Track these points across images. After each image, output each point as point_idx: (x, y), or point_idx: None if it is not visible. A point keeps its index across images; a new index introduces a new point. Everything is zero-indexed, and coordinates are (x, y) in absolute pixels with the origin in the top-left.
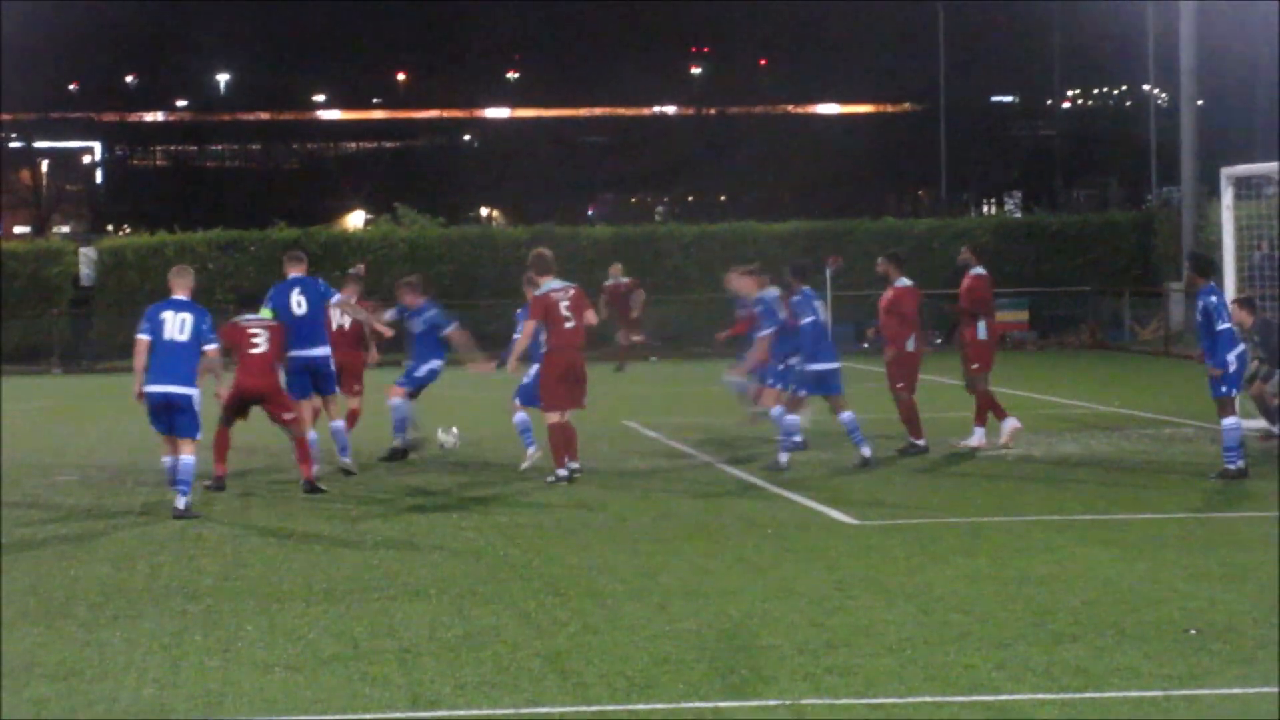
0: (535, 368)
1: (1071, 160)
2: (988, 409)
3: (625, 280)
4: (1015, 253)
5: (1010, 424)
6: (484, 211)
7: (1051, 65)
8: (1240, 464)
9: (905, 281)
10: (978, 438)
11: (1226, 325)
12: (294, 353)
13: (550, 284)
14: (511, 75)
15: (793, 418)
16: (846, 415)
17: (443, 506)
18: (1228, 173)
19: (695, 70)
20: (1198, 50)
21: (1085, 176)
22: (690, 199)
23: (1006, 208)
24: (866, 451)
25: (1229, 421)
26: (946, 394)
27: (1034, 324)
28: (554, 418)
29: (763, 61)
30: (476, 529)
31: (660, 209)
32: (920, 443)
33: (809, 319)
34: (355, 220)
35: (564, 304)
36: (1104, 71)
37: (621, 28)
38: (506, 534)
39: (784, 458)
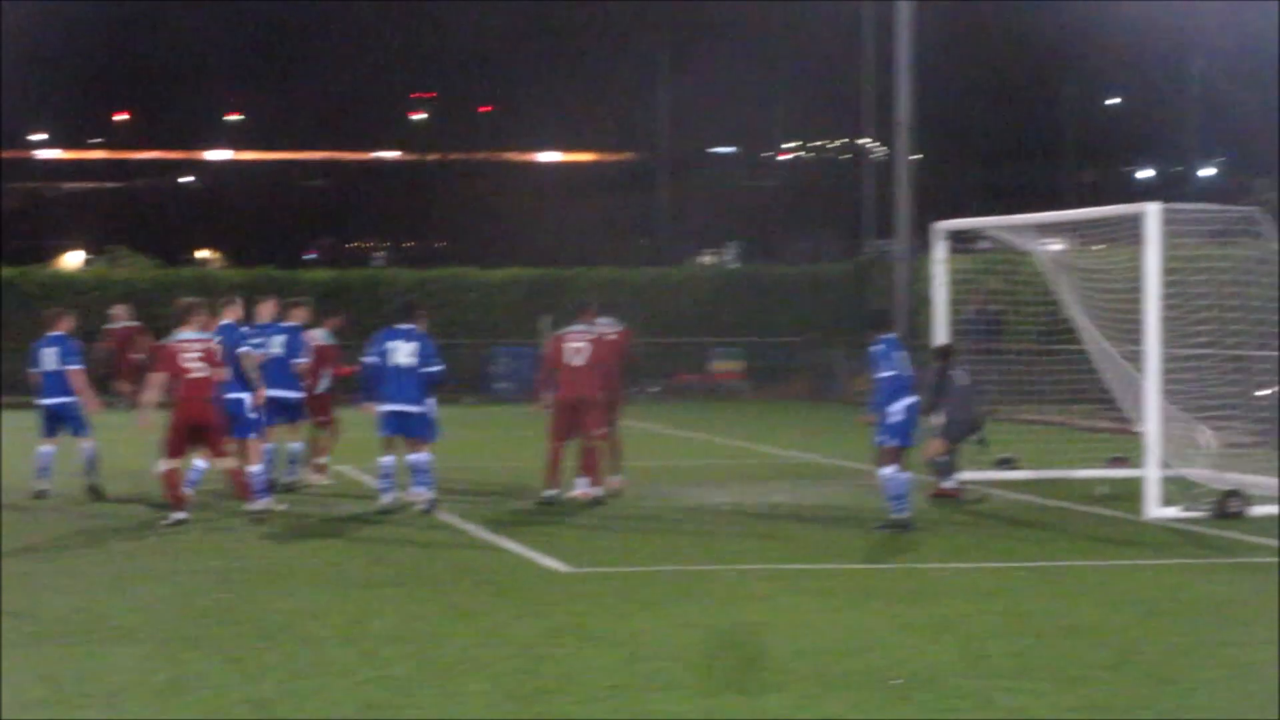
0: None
1: (789, 211)
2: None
3: (132, 324)
4: (732, 302)
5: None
6: (203, 254)
7: (770, 117)
8: (905, 514)
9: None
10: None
11: (889, 374)
12: None
13: (183, 334)
14: (233, 118)
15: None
16: (420, 457)
17: (154, 549)
18: (940, 227)
19: (417, 116)
20: (913, 105)
21: (802, 228)
22: (410, 244)
23: (724, 258)
24: (388, 499)
25: (886, 471)
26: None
27: (748, 374)
28: (168, 464)
29: (484, 108)
30: (189, 572)
31: (380, 254)
32: (549, 493)
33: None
34: (75, 260)
35: (190, 355)
36: (821, 125)
37: (344, 73)
38: (219, 577)
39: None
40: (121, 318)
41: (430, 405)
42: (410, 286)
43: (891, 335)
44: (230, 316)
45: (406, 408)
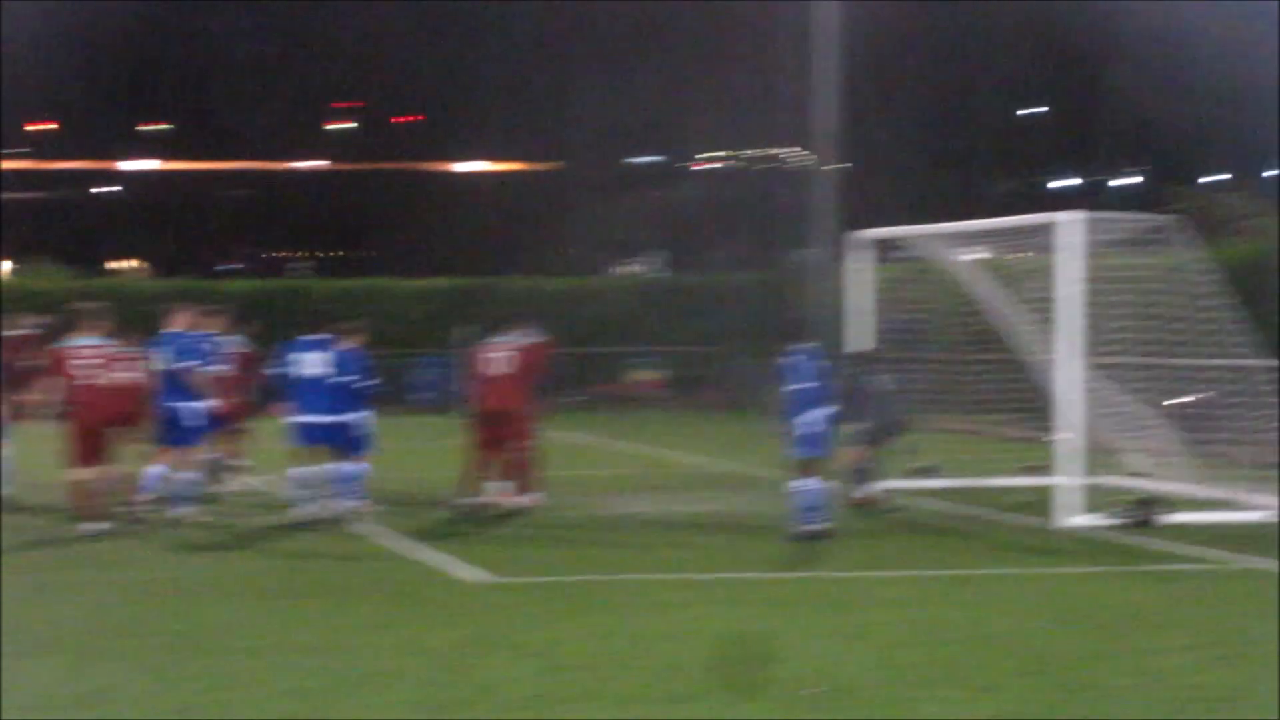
0: None
1: (710, 221)
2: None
3: (31, 331)
4: (650, 312)
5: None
6: (125, 264)
7: (692, 127)
8: (818, 525)
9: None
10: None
11: (799, 386)
12: None
13: (80, 340)
14: (155, 127)
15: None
16: (344, 468)
17: (72, 561)
18: (859, 236)
19: (339, 126)
20: (835, 115)
21: (723, 238)
22: (332, 254)
23: (642, 268)
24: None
25: (806, 483)
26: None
27: (669, 383)
28: (76, 474)
29: (407, 118)
30: (107, 584)
31: (301, 264)
32: (464, 501)
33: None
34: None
35: (85, 361)
36: (742, 134)
37: (267, 82)
38: (137, 589)
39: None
40: (22, 326)
41: (363, 418)
42: (331, 296)
43: (806, 346)
44: (179, 325)
45: (319, 418)
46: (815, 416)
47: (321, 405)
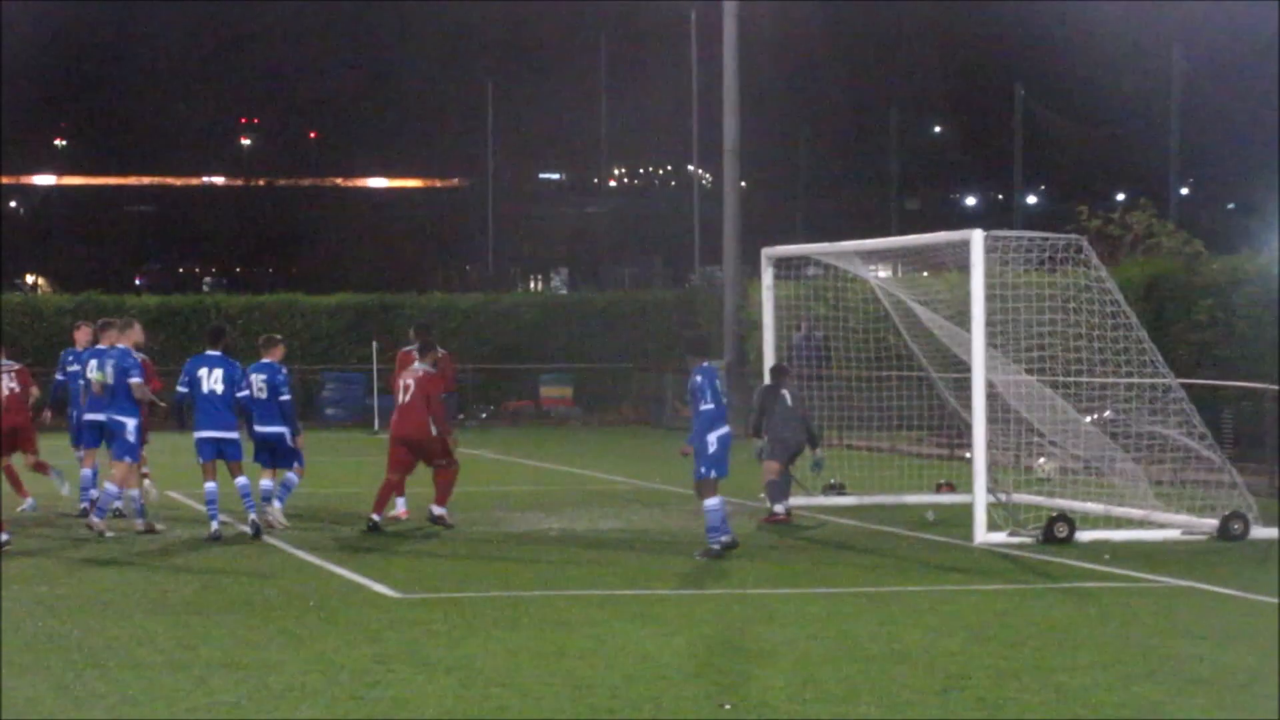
0: None
1: (617, 238)
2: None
3: None
4: (560, 329)
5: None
6: (30, 279)
7: (598, 143)
8: (726, 539)
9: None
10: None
11: (709, 406)
12: None
13: None
14: (59, 142)
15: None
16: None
17: None
18: (768, 253)
19: (245, 141)
20: (740, 132)
21: (630, 254)
22: (239, 270)
23: (552, 284)
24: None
25: (711, 503)
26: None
27: (577, 400)
28: None
29: (313, 134)
30: (14, 599)
31: (208, 280)
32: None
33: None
34: None
35: None
36: (650, 151)
37: (171, 97)
38: (45, 605)
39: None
40: None
41: (287, 433)
42: (239, 311)
43: (708, 364)
44: (127, 341)
45: (222, 434)
46: (716, 437)
47: (225, 420)
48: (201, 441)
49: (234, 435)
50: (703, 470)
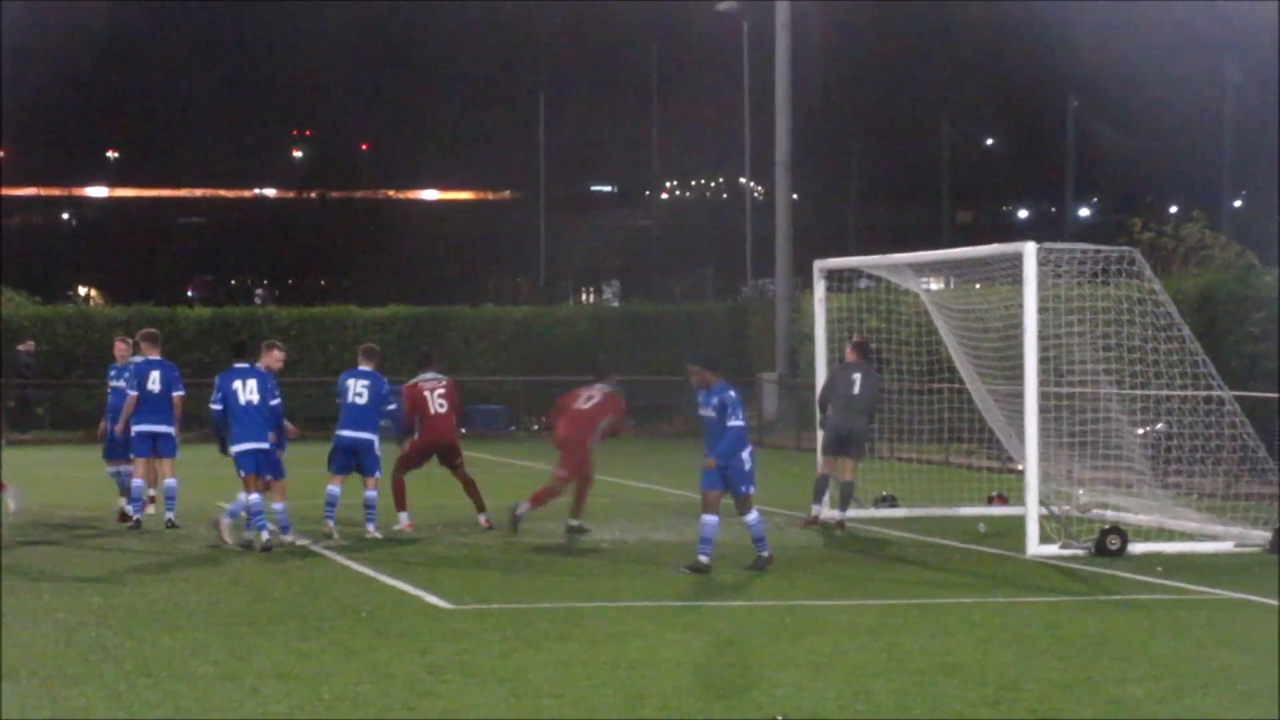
0: None
1: (669, 250)
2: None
3: None
4: (612, 341)
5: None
6: (82, 290)
7: (650, 156)
8: (766, 553)
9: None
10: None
11: (739, 423)
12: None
13: None
14: (111, 154)
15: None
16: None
17: (32, 587)
18: (820, 265)
19: (297, 153)
20: (793, 145)
21: (682, 266)
22: (290, 282)
23: (604, 296)
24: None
25: (751, 516)
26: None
27: (630, 412)
28: None
29: (364, 146)
30: (68, 609)
31: (260, 292)
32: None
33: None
34: None
35: None
36: (702, 163)
37: (223, 109)
38: (99, 615)
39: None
40: None
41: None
42: (290, 323)
43: (721, 385)
44: (151, 353)
45: (260, 445)
46: (749, 453)
47: (262, 432)
48: (241, 455)
49: (269, 446)
50: (743, 489)
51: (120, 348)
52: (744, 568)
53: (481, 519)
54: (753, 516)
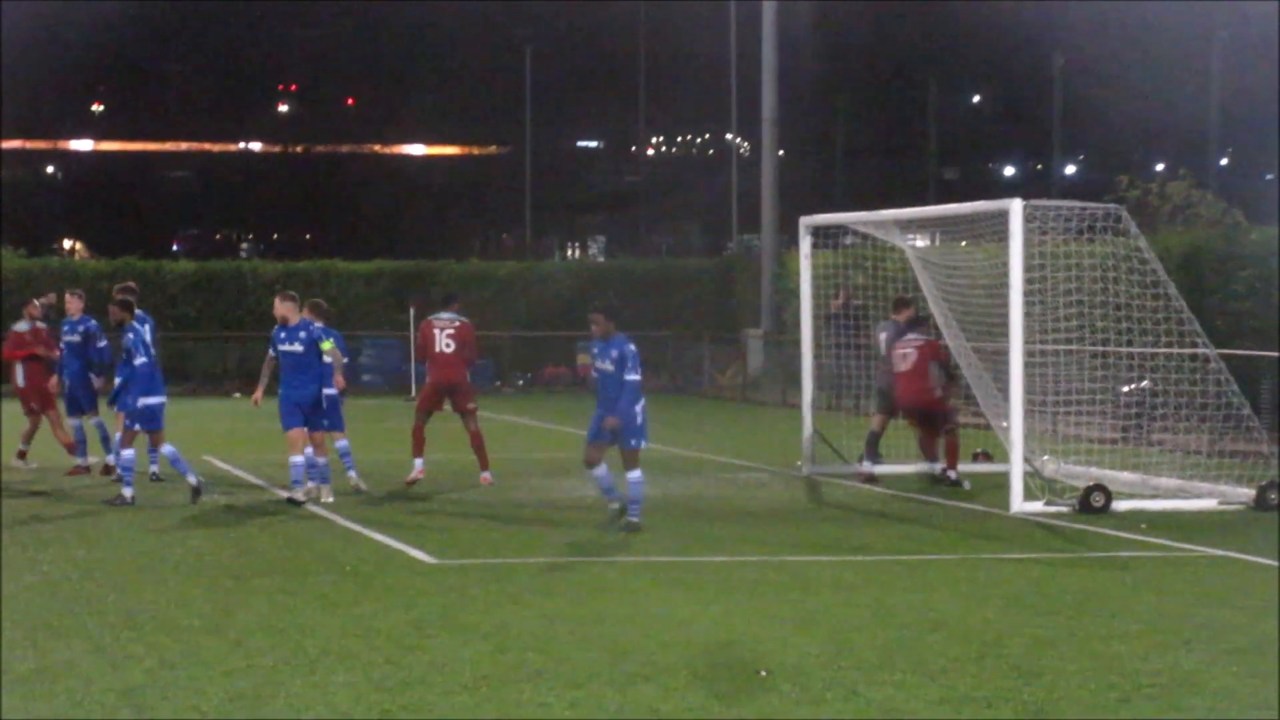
0: None
1: (655, 206)
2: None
3: None
4: (598, 297)
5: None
6: (67, 244)
7: (636, 112)
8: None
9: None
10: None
11: (636, 376)
12: None
13: None
14: (96, 107)
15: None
16: (167, 449)
17: (17, 540)
18: (806, 222)
19: (282, 108)
20: (779, 102)
21: (668, 222)
22: (275, 236)
23: (590, 252)
24: (193, 480)
25: (635, 474)
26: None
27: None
28: None
29: (350, 101)
30: (52, 562)
31: (245, 245)
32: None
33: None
34: None
35: None
36: (687, 119)
37: (209, 63)
38: (83, 568)
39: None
40: None
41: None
42: (275, 278)
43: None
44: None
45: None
46: (641, 406)
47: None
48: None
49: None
50: (633, 443)
51: (73, 303)
52: (619, 529)
53: (484, 476)
54: (636, 474)
